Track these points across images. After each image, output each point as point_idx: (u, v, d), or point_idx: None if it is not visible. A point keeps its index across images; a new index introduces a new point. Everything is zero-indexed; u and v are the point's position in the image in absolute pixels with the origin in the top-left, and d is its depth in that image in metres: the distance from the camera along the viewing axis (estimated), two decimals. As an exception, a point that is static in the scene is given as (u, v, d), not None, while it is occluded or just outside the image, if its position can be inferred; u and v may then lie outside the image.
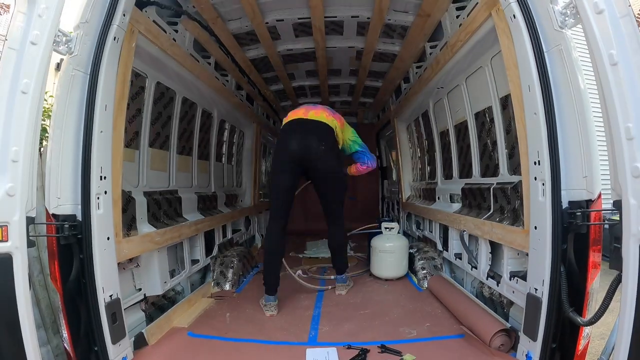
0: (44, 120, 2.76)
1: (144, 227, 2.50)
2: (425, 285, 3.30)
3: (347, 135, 3.17)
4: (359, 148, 3.20)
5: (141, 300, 2.44)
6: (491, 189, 2.65)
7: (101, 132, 1.83)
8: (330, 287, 3.34)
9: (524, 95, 1.80)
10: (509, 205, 2.41)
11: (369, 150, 3.26)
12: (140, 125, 2.62)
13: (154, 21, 2.38)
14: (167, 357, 2.09)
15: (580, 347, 1.65)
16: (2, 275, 1.43)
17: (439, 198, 3.78)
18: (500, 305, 2.45)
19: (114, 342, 1.84)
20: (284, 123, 3.04)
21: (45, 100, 2.33)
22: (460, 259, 3.08)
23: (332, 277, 3.39)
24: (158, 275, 2.55)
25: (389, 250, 3.58)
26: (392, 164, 6.26)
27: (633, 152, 1.31)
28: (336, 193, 3.05)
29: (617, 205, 1.38)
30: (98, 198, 1.82)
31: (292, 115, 3.03)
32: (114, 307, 1.88)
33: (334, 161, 2.91)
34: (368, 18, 3.16)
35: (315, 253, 4.55)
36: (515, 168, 2.41)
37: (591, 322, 1.50)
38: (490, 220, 2.52)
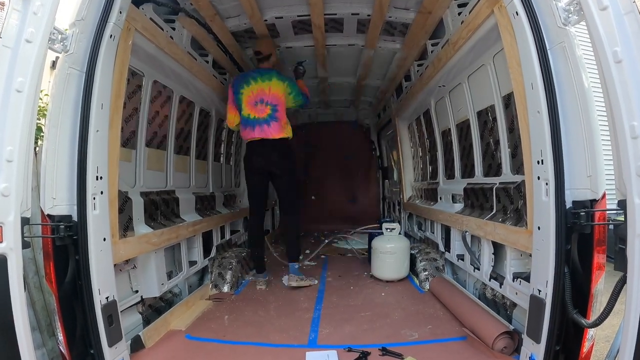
0: (39, 120, 2.76)
1: (141, 228, 2.50)
2: (427, 286, 3.30)
3: (290, 102, 3.60)
4: (300, 101, 3.69)
5: (138, 303, 2.43)
6: (494, 188, 2.65)
7: (97, 131, 1.83)
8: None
9: (526, 94, 1.80)
10: (511, 205, 2.41)
11: (305, 100, 3.75)
12: (136, 125, 2.62)
13: (150, 19, 2.38)
14: (164, 360, 2.09)
15: (585, 349, 1.64)
16: None
17: (440, 198, 3.78)
18: (503, 307, 2.44)
19: (110, 344, 1.84)
20: (245, 141, 3.60)
21: (41, 99, 2.33)
22: (463, 260, 3.08)
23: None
24: (155, 277, 2.54)
25: (390, 252, 3.58)
26: (393, 163, 6.26)
27: (638, 150, 1.31)
28: (290, 186, 3.64)
29: (622, 205, 1.37)
30: (94, 198, 1.82)
31: (250, 136, 3.48)
32: (110, 309, 1.87)
33: (289, 162, 3.57)
34: (368, 15, 3.16)
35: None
36: (518, 167, 2.41)
37: (595, 324, 1.50)
38: (493, 221, 2.52)
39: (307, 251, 4.86)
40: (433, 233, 3.85)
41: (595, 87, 1.49)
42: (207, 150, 3.93)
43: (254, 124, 3.43)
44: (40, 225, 1.71)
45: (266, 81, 3.47)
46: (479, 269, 2.73)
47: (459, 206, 3.28)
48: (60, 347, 1.78)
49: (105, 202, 1.90)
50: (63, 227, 1.72)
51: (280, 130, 3.44)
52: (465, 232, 2.89)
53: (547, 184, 1.69)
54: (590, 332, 1.64)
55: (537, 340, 1.73)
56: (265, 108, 3.44)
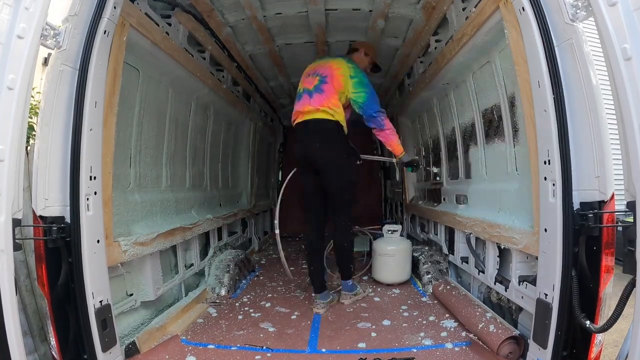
0: (31, 118, 2.76)
1: (136, 230, 2.50)
2: (430, 290, 3.30)
3: (349, 89, 2.94)
4: (358, 110, 2.96)
5: (133, 306, 2.43)
6: (499, 189, 2.65)
7: (91, 130, 1.82)
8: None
9: (533, 92, 1.80)
10: (517, 206, 2.41)
11: (371, 104, 2.95)
12: (131, 123, 2.62)
13: (146, 14, 2.38)
14: (159, 365, 2.09)
15: (593, 354, 1.64)
16: None
17: (444, 199, 3.78)
18: (508, 311, 2.44)
19: (104, 350, 1.84)
20: (293, 123, 3.06)
21: (32, 96, 2.33)
22: (467, 262, 3.07)
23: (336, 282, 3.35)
24: (150, 280, 2.54)
25: (391, 254, 3.58)
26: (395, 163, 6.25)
27: (648, 150, 1.31)
28: (337, 186, 2.97)
29: (631, 206, 1.37)
30: (88, 199, 1.82)
31: (295, 114, 3.02)
32: (105, 313, 1.87)
33: (333, 152, 2.90)
34: (370, 11, 3.16)
35: None
36: (524, 168, 2.41)
37: (604, 329, 1.50)
38: (498, 222, 2.52)
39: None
40: (436, 235, 3.85)
41: (604, 85, 1.49)
42: (203, 150, 3.92)
43: (299, 96, 3.00)
44: (32, 227, 1.71)
45: (329, 59, 3.10)
46: (483, 272, 2.73)
47: (463, 207, 3.28)
48: (53, 352, 1.78)
49: (99, 202, 1.90)
50: (55, 228, 1.71)
51: (323, 105, 2.86)
52: (470, 234, 2.89)
53: (554, 184, 1.69)
54: (599, 337, 1.63)
55: (544, 345, 1.73)
56: (314, 79, 2.97)
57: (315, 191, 3.02)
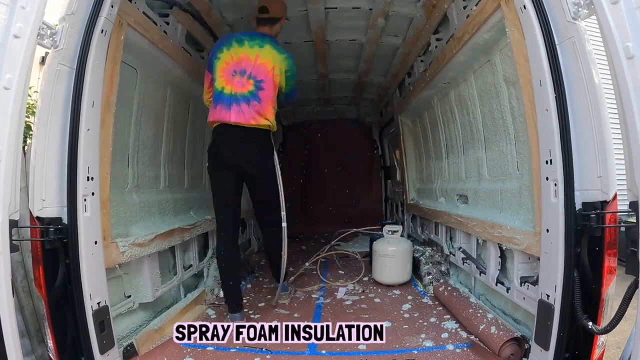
0: (28, 118, 2.76)
1: (134, 231, 2.50)
2: (431, 291, 3.30)
3: (283, 83, 2.80)
4: (292, 88, 2.94)
5: (131, 308, 2.43)
6: (500, 189, 2.64)
7: (88, 130, 1.83)
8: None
9: (534, 91, 1.80)
10: (519, 206, 2.41)
11: (295, 91, 3.05)
12: (129, 123, 2.62)
13: (143, 13, 2.38)
14: (158, 367, 2.09)
15: (595, 356, 1.64)
16: None
17: (445, 199, 3.78)
18: (510, 313, 2.44)
19: (102, 352, 1.84)
20: (212, 126, 2.78)
21: (29, 96, 2.33)
22: (468, 263, 3.07)
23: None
24: (149, 282, 2.54)
25: (391, 255, 3.58)
26: (395, 163, 6.26)
27: (650, 150, 1.31)
28: (270, 194, 2.83)
29: (634, 206, 1.37)
30: (85, 200, 1.82)
31: (219, 117, 2.68)
32: (102, 315, 1.87)
33: (266, 163, 2.78)
34: (370, 9, 3.16)
35: None
36: (525, 167, 2.41)
37: (606, 331, 1.50)
38: (500, 223, 2.52)
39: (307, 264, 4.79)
40: (437, 235, 3.85)
41: (606, 84, 1.49)
42: (202, 150, 3.92)
43: (229, 101, 2.62)
44: (29, 228, 1.71)
45: (255, 47, 2.67)
46: (484, 273, 2.73)
47: (464, 207, 3.28)
48: (50, 354, 1.77)
49: (96, 203, 1.90)
50: (53, 229, 1.71)
51: (263, 115, 2.63)
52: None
53: (556, 184, 1.69)
54: (601, 339, 1.63)
55: (546, 347, 1.73)
56: (246, 82, 2.63)
57: (233, 191, 2.77)
